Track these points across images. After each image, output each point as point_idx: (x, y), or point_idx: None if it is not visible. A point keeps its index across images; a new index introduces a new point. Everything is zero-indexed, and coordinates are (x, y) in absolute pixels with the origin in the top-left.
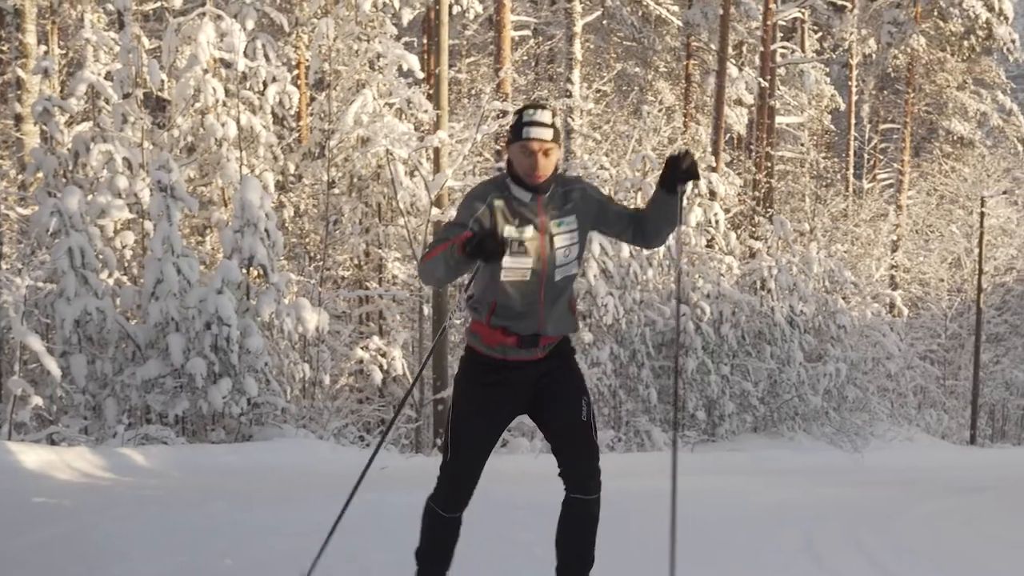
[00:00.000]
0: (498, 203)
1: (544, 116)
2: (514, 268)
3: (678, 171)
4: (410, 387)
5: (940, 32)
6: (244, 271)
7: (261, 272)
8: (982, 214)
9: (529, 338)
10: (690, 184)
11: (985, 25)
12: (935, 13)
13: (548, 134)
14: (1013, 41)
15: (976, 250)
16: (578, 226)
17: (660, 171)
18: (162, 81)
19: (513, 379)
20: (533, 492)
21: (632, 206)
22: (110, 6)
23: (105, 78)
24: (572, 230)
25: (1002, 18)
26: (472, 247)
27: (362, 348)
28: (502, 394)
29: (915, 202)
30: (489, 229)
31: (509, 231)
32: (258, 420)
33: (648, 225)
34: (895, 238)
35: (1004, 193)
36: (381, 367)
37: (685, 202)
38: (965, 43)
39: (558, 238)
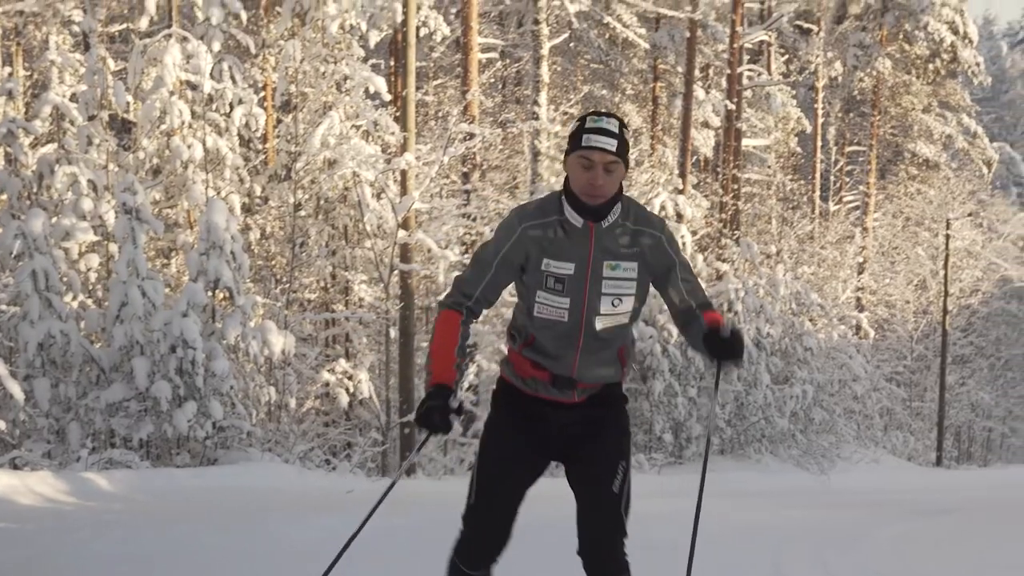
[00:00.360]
0: (533, 234)
1: (611, 124)
2: (548, 305)
3: (720, 351)
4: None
5: (905, 55)
6: (210, 294)
7: (227, 295)
8: (947, 236)
9: (563, 379)
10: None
11: (950, 48)
12: (900, 36)
13: (612, 145)
14: (978, 64)
15: (942, 272)
16: (638, 276)
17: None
18: (128, 103)
19: (547, 417)
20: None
21: (696, 294)
22: (76, 27)
23: (70, 100)
24: (629, 279)
25: (967, 41)
26: (419, 411)
27: (328, 371)
28: (535, 433)
29: (881, 224)
30: (437, 403)
31: (546, 263)
32: (223, 444)
33: (687, 337)
34: (861, 260)
35: (969, 215)
36: (347, 390)
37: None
38: (930, 66)
39: (608, 284)
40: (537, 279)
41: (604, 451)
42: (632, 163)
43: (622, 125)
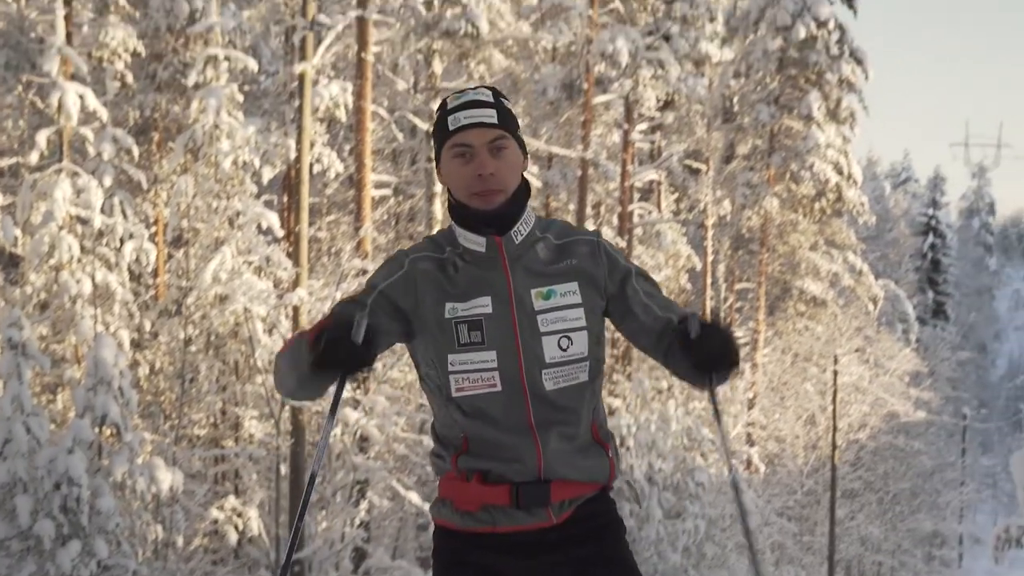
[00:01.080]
0: (425, 267)
1: (481, 94)
2: (470, 371)
3: (705, 355)
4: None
5: (792, 195)
6: (96, 430)
7: (114, 431)
8: (835, 372)
9: (529, 488)
10: (726, 382)
11: (835, 188)
12: (787, 176)
13: (491, 115)
14: (862, 204)
15: (830, 407)
16: (583, 299)
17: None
18: (15, 237)
19: (514, 569)
20: None
21: (671, 306)
22: None
23: None
24: (572, 305)
25: (851, 182)
26: (319, 350)
27: (217, 508)
28: None
29: (770, 360)
30: (344, 324)
31: (451, 308)
32: None
33: (671, 364)
34: (751, 395)
35: (856, 351)
36: (236, 527)
37: (721, 397)
38: (816, 205)
39: (545, 318)
40: (443, 339)
41: None
42: None
43: (497, 93)
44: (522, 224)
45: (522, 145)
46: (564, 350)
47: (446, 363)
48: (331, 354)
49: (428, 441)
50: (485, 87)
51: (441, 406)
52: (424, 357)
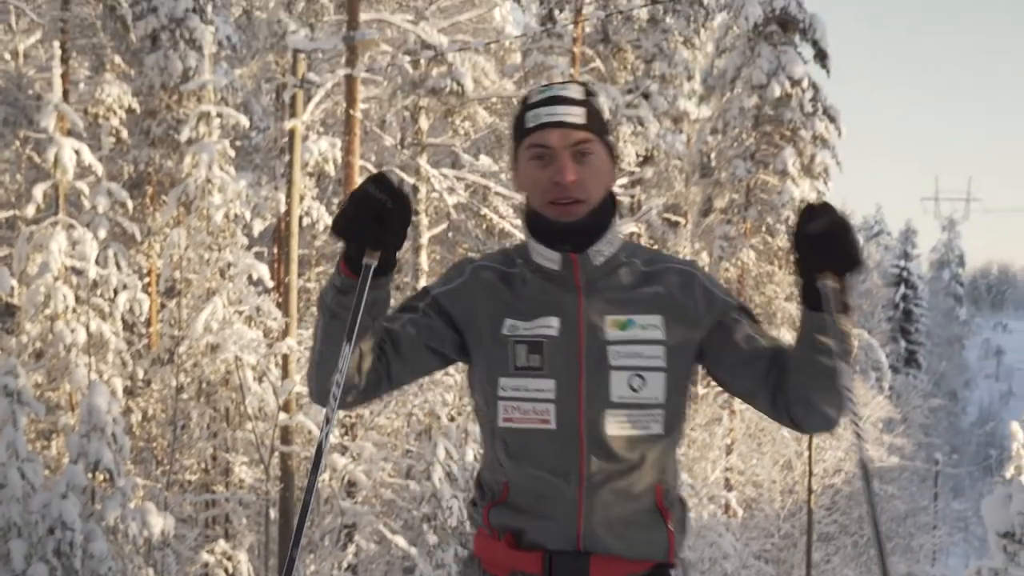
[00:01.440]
0: (485, 276)
1: (570, 90)
2: (522, 400)
3: (811, 247)
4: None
5: (768, 247)
6: (90, 475)
7: (107, 476)
8: None
9: (565, 560)
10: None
11: None
12: (764, 229)
13: (579, 115)
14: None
15: (806, 453)
16: (666, 336)
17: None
18: (12, 287)
19: None
20: None
21: (779, 344)
22: None
23: None
24: (652, 340)
25: None
26: (345, 217)
27: (208, 552)
28: None
29: (747, 408)
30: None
31: (510, 325)
32: None
33: (790, 380)
34: (729, 441)
35: None
36: (226, 571)
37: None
38: (792, 257)
39: (617, 350)
40: (496, 358)
41: None
42: None
43: (588, 90)
44: (604, 244)
45: (612, 152)
46: (635, 391)
47: (496, 387)
48: (362, 203)
49: (414, 485)
50: (576, 82)
51: (488, 443)
52: (477, 380)
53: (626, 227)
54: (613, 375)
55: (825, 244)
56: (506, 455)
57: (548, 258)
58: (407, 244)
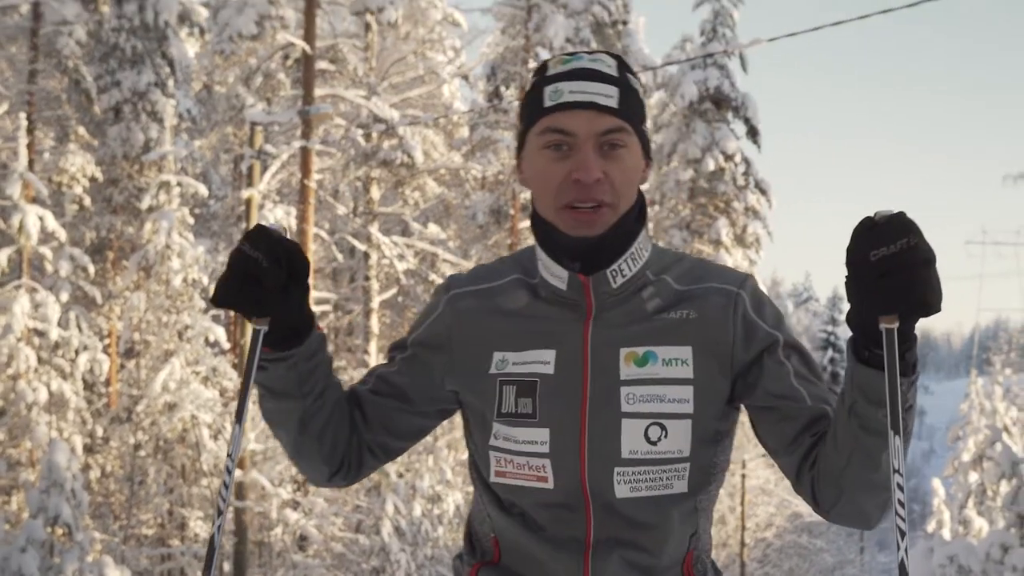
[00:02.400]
0: (465, 306)
1: (599, 61)
2: (511, 452)
3: (879, 276)
4: None
5: None
6: (49, 530)
7: (66, 531)
8: (743, 476)
9: None
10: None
11: None
12: None
13: (610, 94)
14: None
15: (739, 508)
16: (695, 373)
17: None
18: None
19: None
20: None
21: (825, 401)
22: None
23: None
24: (677, 380)
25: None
26: (222, 283)
27: None
28: None
29: None
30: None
31: (499, 360)
32: None
33: (824, 456)
34: None
35: (762, 456)
36: None
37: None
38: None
39: (632, 392)
40: (484, 400)
41: None
42: None
43: (624, 65)
44: (627, 261)
45: (646, 146)
46: (653, 443)
47: (489, 434)
48: (238, 267)
49: (363, 539)
50: (608, 53)
51: (478, 491)
52: (470, 427)
53: None
54: (625, 424)
55: (900, 273)
56: (498, 509)
57: (555, 275)
58: (358, 308)
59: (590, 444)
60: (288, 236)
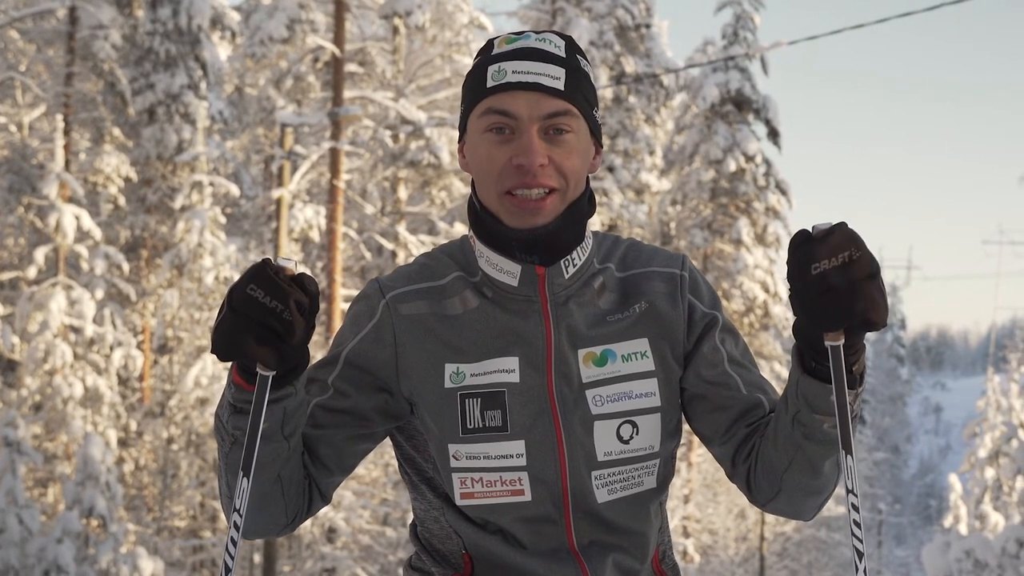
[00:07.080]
0: (408, 312)
1: (545, 41)
2: (481, 470)
3: (821, 291)
4: None
5: (724, 311)
6: (84, 521)
7: (100, 522)
8: None
9: None
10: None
11: (763, 305)
12: (720, 294)
13: (556, 75)
14: (787, 319)
15: None
16: (656, 364)
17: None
18: (13, 344)
19: None
20: None
21: (761, 390)
22: None
23: None
24: (641, 374)
25: (777, 299)
26: (222, 332)
27: None
28: None
29: (704, 459)
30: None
31: (453, 373)
32: None
33: (764, 453)
34: (687, 492)
35: None
36: None
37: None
38: (746, 320)
39: (598, 393)
40: (442, 419)
41: None
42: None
43: (573, 46)
44: (578, 251)
45: (596, 132)
46: (626, 441)
47: (447, 456)
48: (245, 313)
49: (390, 532)
50: (556, 33)
51: (436, 510)
52: (418, 446)
53: None
54: (598, 426)
55: (841, 287)
56: (470, 527)
57: (504, 270)
58: None
59: (569, 451)
60: (298, 269)
